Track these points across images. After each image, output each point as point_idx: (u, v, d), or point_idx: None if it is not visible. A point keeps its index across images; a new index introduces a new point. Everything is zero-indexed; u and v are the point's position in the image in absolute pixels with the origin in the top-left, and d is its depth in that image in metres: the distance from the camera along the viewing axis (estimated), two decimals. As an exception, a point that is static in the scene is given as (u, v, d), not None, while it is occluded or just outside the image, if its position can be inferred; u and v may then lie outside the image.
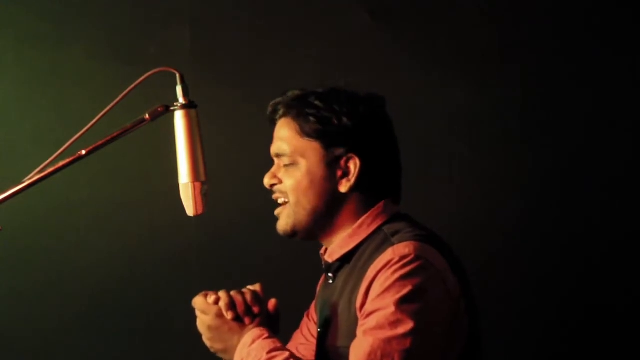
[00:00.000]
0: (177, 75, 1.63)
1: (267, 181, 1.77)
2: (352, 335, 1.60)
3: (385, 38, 2.86)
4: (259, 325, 1.68)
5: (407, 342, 1.52)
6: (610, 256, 2.87)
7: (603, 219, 2.88)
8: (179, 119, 1.63)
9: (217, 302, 1.69)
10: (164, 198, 2.58)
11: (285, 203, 1.75)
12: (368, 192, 1.72)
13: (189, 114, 1.64)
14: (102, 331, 2.78)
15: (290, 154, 1.72)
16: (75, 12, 2.76)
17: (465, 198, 2.86)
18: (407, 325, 1.52)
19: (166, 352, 2.79)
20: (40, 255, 2.76)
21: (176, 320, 2.72)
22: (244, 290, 1.72)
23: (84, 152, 1.60)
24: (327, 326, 1.74)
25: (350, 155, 1.70)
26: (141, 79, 1.61)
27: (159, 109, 1.62)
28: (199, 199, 1.64)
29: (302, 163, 1.71)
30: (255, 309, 1.69)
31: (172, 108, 1.63)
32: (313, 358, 1.82)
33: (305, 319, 1.99)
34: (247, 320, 1.68)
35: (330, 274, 1.77)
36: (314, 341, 1.86)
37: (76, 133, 1.60)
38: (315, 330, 1.88)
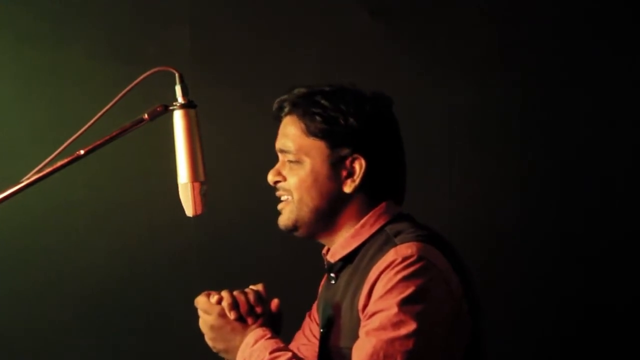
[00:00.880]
0: (176, 75, 1.63)
1: (271, 178, 1.76)
2: (355, 336, 1.60)
3: (385, 38, 2.86)
4: (262, 325, 1.67)
5: (410, 343, 1.51)
6: (611, 256, 2.88)
7: (603, 218, 2.88)
8: (178, 119, 1.63)
9: (219, 302, 1.69)
10: (163, 198, 2.57)
11: (288, 200, 1.74)
12: (372, 192, 1.71)
13: (188, 114, 1.63)
14: (101, 331, 2.78)
15: (295, 152, 1.72)
16: (74, 11, 2.76)
17: (465, 198, 2.86)
18: (410, 326, 1.52)
19: (166, 351, 2.79)
20: (39, 255, 2.76)
21: (176, 320, 2.72)
22: (246, 290, 1.72)
23: (82, 151, 1.59)
24: (329, 326, 1.73)
25: (355, 155, 1.69)
26: (140, 78, 1.61)
27: (158, 109, 1.62)
28: (198, 199, 1.64)
29: (307, 162, 1.71)
30: (258, 309, 1.69)
31: (171, 108, 1.63)
32: (315, 358, 1.82)
33: (307, 319, 1.99)
34: (249, 320, 1.68)
35: (332, 274, 1.77)
36: (316, 342, 1.86)
37: (75, 133, 1.60)
38: (317, 330, 1.88)
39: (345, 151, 1.69)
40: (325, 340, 1.74)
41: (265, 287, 1.74)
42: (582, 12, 2.89)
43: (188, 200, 1.64)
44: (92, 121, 1.60)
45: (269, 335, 1.65)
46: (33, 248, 2.75)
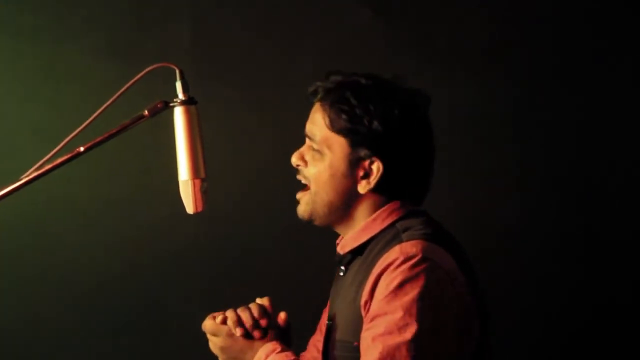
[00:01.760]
0: (177, 71, 1.62)
1: (294, 160, 1.76)
2: (354, 330, 1.60)
3: (385, 37, 2.86)
4: (272, 339, 1.68)
5: (417, 347, 1.50)
6: (611, 256, 2.88)
7: (603, 218, 2.88)
8: (179, 116, 1.62)
9: (224, 321, 1.70)
10: (164, 195, 2.57)
11: (306, 187, 1.74)
12: (387, 193, 1.70)
13: (189, 110, 1.62)
14: (100, 328, 2.78)
15: (318, 142, 1.71)
16: (74, 8, 2.76)
17: (465, 198, 2.85)
18: (416, 329, 1.51)
19: (166, 349, 2.79)
20: (38, 252, 2.76)
21: (176, 317, 2.72)
22: (250, 305, 1.73)
23: (82, 148, 1.58)
24: (334, 319, 1.73)
25: (374, 158, 1.67)
26: (140, 74, 1.60)
27: (159, 105, 1.61)
28: (199, 196, 1.63)
29: (327, 154, 1.70)
30: (263, 322, 1.69)
31: (171, 104, 1.62)
32: None
33: (323, 314, 1.98)
34: (256, 334, 1.69)
35: (342, 267, 1.77)
36: None
37: (75, 129, 1.59)
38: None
39: (365, 152, 1.67)
40: (330, 333, 1.74)
41: (271, 300, 1.74)
42: (582, 12, 2.89)
43: (189, 198, 1.63)
44: (92, 118, 1.60)
45: (279, 349, 1.66)
46: (33, 244, 2.75)
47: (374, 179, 1.68)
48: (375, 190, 1.69)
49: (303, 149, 1.76)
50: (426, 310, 1.52)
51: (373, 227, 1.69)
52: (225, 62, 2.82)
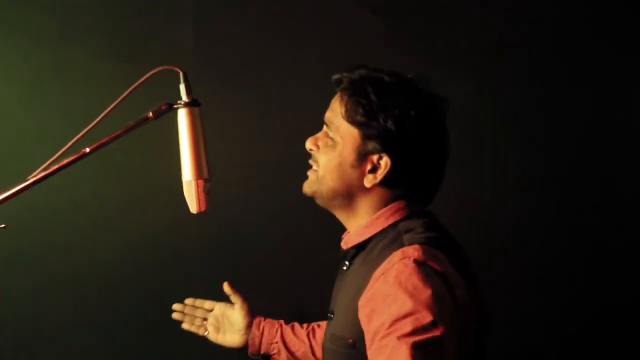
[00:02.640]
0: (181, 74, 1.64)
1: (308, 145, 1.78)
2: (350, 327, 1.62)
3: (385, 37, 2.86)
4: None
5: (422, 352, 1.50)
6: (611, 256, 2.88)
7: (603, 218, 2.89)
8: (182, 117, 1.64)
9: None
10: (167, 195, 2.60)
11: (314, 170, 1.77)
12: (392, 190, 1.72)
13: (192, 112, 1.64)
14: (105, 328, 2.79)
15: (334, 130, 1.73)
16: (79, 11, 2.77)
17: (466, 198, 2.87)
18: (420, 333, 1.50)
19: (169, 349, 2.80)
20: (44, 252, 2.77)
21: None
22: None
23: (87, 149, 1.60)
24: (334, 313, 1.76)
25: (383, 154, 1.69)
26: (145, 77, 1.62)
27: (163, 107, 1.63)
28: (202, 196, 1.65)
29: (339, 144, 1.72)
30: None
31: (175, 106, 1.64)
32: None
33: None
34: None
35: (346, 262, 1.78)
36: None
37: (80, 131, 1.61)
38: None
39: (375, 146, 1.69)
40: (329, 326, 1.77)
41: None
42: (582, 12, 2.89)
43: (192, 198, 1.65)
44: (97, 119, 1.61)
45: None
46: (38, 245, 2.76)
47: (381, 174, 1.69)
48: (382, 186, 1.71)
49: (319, 134, 1.78)
50: (429, 313, 1.51)
51: (376, 225, 1.71)
52: (227, 65, 2.83)
